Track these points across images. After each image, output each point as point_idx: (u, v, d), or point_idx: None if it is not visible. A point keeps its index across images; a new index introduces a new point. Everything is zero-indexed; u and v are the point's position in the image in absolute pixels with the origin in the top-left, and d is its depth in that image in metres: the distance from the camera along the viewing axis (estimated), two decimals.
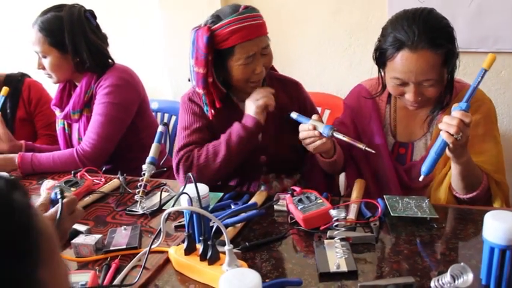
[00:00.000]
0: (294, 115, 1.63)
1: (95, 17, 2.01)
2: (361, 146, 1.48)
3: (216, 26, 1.57)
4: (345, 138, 1.51)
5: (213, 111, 1.67)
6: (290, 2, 2.57)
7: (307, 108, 1.82)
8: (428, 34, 1.44)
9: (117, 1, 2.89)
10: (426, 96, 1.52)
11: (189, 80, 1.70)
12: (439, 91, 1.53)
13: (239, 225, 1.38)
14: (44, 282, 0.49)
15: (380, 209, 1.37)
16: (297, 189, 1.47)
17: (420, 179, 1.43)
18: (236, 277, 0.91)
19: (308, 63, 2.63)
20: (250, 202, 1.49)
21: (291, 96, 1.80)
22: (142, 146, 2.01)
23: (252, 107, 1.61)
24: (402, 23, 1.49)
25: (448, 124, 1.34)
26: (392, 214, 1.37)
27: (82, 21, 1.93)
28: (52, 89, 2.28)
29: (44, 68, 1.99)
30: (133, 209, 1.54)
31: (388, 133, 1.71)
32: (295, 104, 1.79)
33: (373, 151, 1.48)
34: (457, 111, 1.35)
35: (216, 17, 1.60)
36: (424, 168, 1.41)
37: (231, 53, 1.59)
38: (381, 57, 1.56)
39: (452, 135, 1.33)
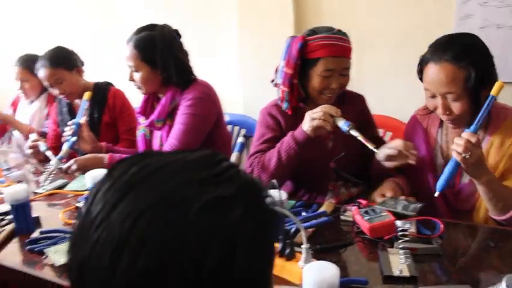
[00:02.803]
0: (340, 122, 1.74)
1: (180, 36, 2.21)
2: (371, 146, 1.63)
3: (311, 37, 1.80)
4: (360, 137, 1.66)
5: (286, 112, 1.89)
6: (360, 26, 2.72)
7: (369, 120, 2.04)
8: (454, 49, 1.57)
9: (198, 23, 3.12)
10: (454, 112, 1.61)
11: (272, 81, 1.92)
12: (466, 108, 1.59)
13: (310, 230, 1.53)
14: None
15: (441, 227, 1.48)
16: (363, 202, 1.62)
17: (436, 194, 1.54)
18: (318, 268, 1.07)
19: (373, 86, 2.76)
20: (319, 211, 1.65)
21: (355, 108, 1.98)
22: None
23: (307, 121, 1.75)
24: (439, 39, 1.65)
25: (456, 144, 1.48)
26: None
27: (172, 41, 2.12)
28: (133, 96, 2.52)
29: (134, 81, 2.19)
30: None
31: (438, 154, 1.80)
32: (359, 115, 1.96)
33: (376, 151, 1.64)
34: (465, 133, 1.49)
35: (312, 31, 1.83)
36: (438, 185, 1.54)
37: (315, 63, 1.79)
38: (419, 72, 1.70)
39: (461, 154, 1.45)
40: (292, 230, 1.40)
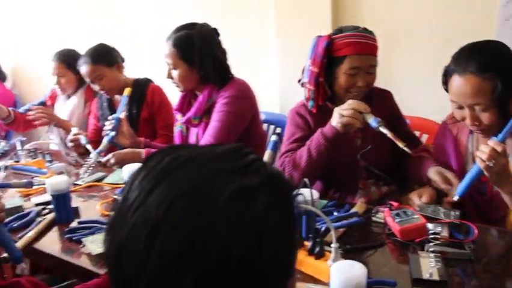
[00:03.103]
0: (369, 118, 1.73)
1: (218, 35, 2.23)
2: (401, 144, 1.61)
3: (336, 35, 1.83)
4: (389, 134, 1.64)
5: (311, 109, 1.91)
6: (398, 26, 2.70)
7: (400, 116, 2.05)
8: (478, 59, 1.53)
9: (236, 22, 3.15)
10: (483, 122, 1.58)
11: (299, 81, 1.95)
12: (494, 117, 1.56)
13: (341, 230, 1.54)
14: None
15: (475, 232, 1.45)
16: (395, 204, 1.61)
17: (455, 199, 1.53)
18: (346, 267, 1.08)
19: (410, 86, 2.74)
20: (351, 211, 1.65)
21: (384, 105, 1.98)
22: None
23: (336, 117, 1.74)
24: (462, 49, 1.62)
25: (481, 151, 1.45)
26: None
27: (210, 40, 2.16)
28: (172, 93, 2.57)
29: (172, 78, 2.23)
30: None
31: (469, 162, 1.77)
32: (388, 111, 1.97)
33: (409, 151, 1.60)
34: (491, 141, 1.46)
35: (338, 30, 1.86)
36: (458, 189, 1.52)
37: (341, 61, 1.82)
38: (444, 83, 1.68)
39: (484, 161, 1.43)
40: (323, 229, 1.41)
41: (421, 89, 2.71)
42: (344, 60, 1.81)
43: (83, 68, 2.65)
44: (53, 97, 3.23)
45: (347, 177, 1.94)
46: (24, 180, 1.97)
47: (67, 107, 3.10)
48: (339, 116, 1.72)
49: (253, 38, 3.13)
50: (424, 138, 2.45)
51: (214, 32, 2.20)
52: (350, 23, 2.58)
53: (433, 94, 2.65)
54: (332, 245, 1.29)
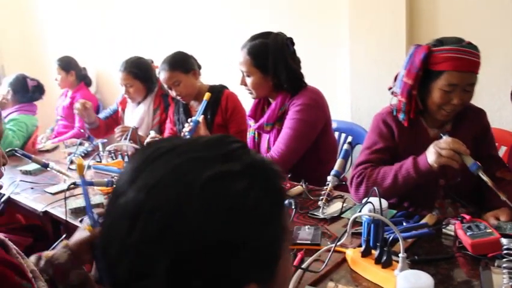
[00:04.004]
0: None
1: (293, 44, 2.28)
2: (503, 197, 1.53)
3: (436, 48, 1.71)
4: (489, 182, 1.56)
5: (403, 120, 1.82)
6: (476, 36, 2.61)
7: (490, 138, 1.91)
8: None
9: (309, 32, 3.18)
10: None
11: (389, 89, 1.87)
12: None
13: (409, 240, 1.53)
14: (285, 219, 0.69)
15: None
16: (467, 216, 1.58)
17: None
18: (412, 276, 1.08)
19: (488, 97, 2.65)
20: (421, 222, 1.63)
21: (476, 124, 1.87)
22: (321, 160, 2.28)
23: (433, 156, 1.63)
24: None
25: None
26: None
27: (284, 48, 2.20)
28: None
29: (246, 85, 2.30)
30: (315, 213, 1.78)
31: None
32: (479, 130, 1.86)
33: (511, 204, 1.51)
34: None
35: (439, 42, 1.73)
36: None
37: (438, 76, 1.71)
38: None
39: None
40: (391, 238, 1.42)
41: (494, 97, 2.63)
42: (441, 76, 1.70)
43: (162, 75, 2.79)
44: (124, 103, 3.42)
45: (424, 194, 1.85)
46: (106, 179, 2.10)
47: (135, 114, 3.25)
48: (436, 156, 1.62)
49: (325, 46, 3.15)
50: (502, 150, 2.37)
51: (289, 41, 2.24)
52: (426, 28, 2.57)
53: (507, 103, 2.57)
54: (400, 255, 1.29)
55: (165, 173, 0.62)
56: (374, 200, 1.43)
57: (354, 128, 2.81)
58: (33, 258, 1.26)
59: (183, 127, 2.52)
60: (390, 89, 1.88)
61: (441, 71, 1.69)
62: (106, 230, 0.66)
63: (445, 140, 1.64)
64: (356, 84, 2.97)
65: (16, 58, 4.99)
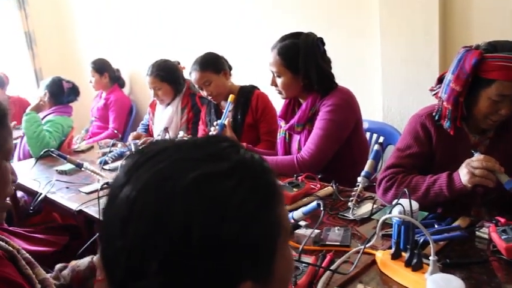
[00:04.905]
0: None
1: (323, 44, 2.27)
2: None
3: (490, 54, 1.60)
4: None
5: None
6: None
7: None
8: None
9: (341, 32, 3.17)
10: None
11: (432, 90, 1.81)
12: None
13: (441, 243, 1.50)
14: (281, 216, 0.70)
15: None
16: (502, 219, 1.54)
17: None
18: (442, 280, 1.06)
19: None
20: (453, 224, 1.61)
21: None
22: (352, 161, 2.26)
23: (466, 175, 1.58)
24: None
25: None
26: None
27: (315, 49, 2.19)
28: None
29: (276, 85, 2.30)
30: (345, 214, 1.77)
31: None
32: None
33: None
34: None
35: (492, 46, 1.62)
36: None
37: (488, 84, 1.62)
38: None
39: None
40: (421, 240, 1.39)
41: None
42: (492, 84, 1.60)
43: (193, 75, 2.84)
44: (153, 106, 3.49)
45: (460, 202, 1.76)
46: None
47: (165, 115, 3.31)
48: (470, 176, 1.56)
49: (356, 46, 3.13)
50: None
51: (319, 41, 2.23)
52: (459, 26, 2.50)
53: None
54: (430, 258, 1.27)
55: (151, 177, 0.64)
56: (404, 202, 1.41)
57: (386, 128, 2.78)
58: (59, 266, 1.31)
59: None
60: (432, 90, 1.81)
61: (493, 79, 1.60)
62: (103, 231, 0.68)
63: (477, 158, 1.57)
64: (388, 84, 2.93)
65: (52, 61, 5.13)
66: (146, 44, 4.56)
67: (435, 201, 1.69)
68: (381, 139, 2.76)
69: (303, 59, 2.18)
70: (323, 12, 3.23)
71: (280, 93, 2.33)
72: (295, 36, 2.22)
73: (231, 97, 2.63)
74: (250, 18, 3.75)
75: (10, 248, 1.13)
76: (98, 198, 2.03)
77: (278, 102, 2.74)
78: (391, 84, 2.92)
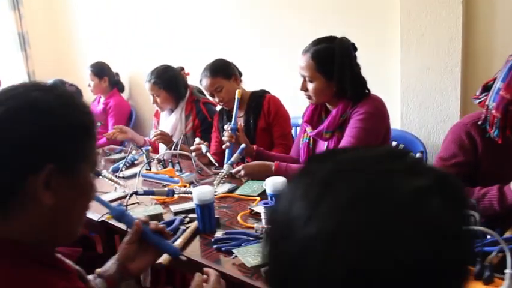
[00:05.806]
0: None
1: (356, 49, 2.20)
2: None
3: None
4: None
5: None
6: None
7: None
8: None
9: (361, 38, 3.12)
10: None
11: (476, 98, 1.77)
12: None
13: (499, 254, 1.45)
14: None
15: None
16: None
17: None
18: None
19: None
20: (506, 236, 1.56)
21: None
22: None
23: None
24: None
25: None
26: None
27: (350, 54, 2.14)
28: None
29: (306, 90, 2.22)
30: None
31: None
32: None
33: None
34: None
35: None
36: None
37: None
38: None
39: None
40: (494, 252, 1.34)
41: None
42: None
43: (203, 82, 2.79)
44: (157, 115, 3.44)
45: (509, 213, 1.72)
46: (167, 189, 2.06)
47: (168, 122, 3.24)
48: None
49: (375, 52, 3.09)
50: None
51: (352, 47, 2.18)
52: (483, 32, 2.47)
53: None
54: (506, 271, 1.22)
55: (357, 191, 0.55)
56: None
57: (405, 136, 2.75)
58: (91, 277, 1.24)
59: None
60: (477, 98, 1.78)
61: None
62: (286, 260, 0.58)
63: None
64: (407, 92, 2.90)
65: (46, 64, 4.98)
66: (146, 47, 4.45)
67: (483, 215, 1.63)
68: (400, 146, 2.72)
69: (338, 64, 2.12)
70: (341, 17, 3.17)
71: (309, 98, 2.26)
72: (330, 40, 2.16)
73: (237, 92, 2.57)
74: (262, 23, 3.63)
75: (78, 267, 1.07)
76: (127, 205, 1.94)
77: (290, 106, 2.72)
78: (411, 92, 2.88)
